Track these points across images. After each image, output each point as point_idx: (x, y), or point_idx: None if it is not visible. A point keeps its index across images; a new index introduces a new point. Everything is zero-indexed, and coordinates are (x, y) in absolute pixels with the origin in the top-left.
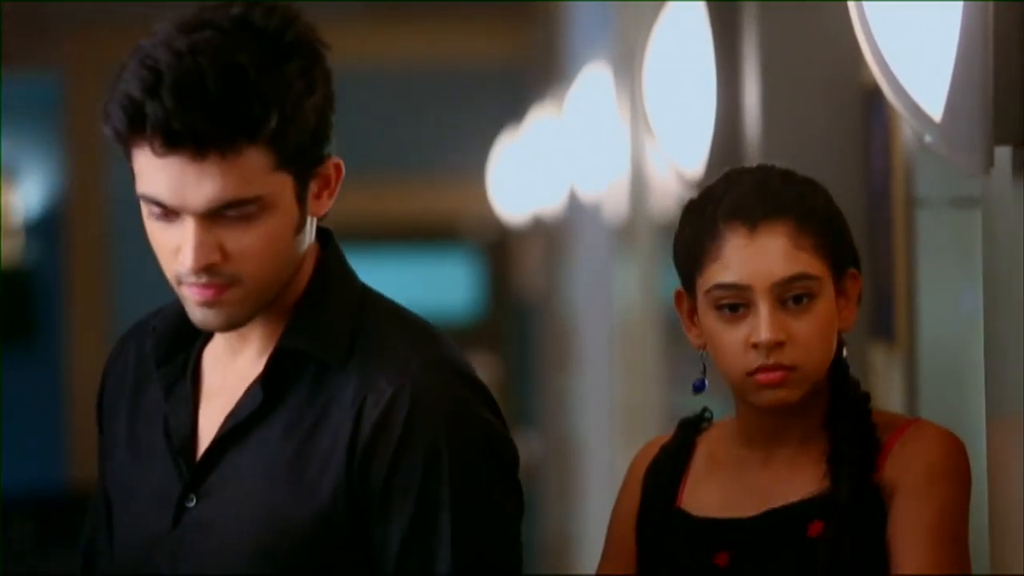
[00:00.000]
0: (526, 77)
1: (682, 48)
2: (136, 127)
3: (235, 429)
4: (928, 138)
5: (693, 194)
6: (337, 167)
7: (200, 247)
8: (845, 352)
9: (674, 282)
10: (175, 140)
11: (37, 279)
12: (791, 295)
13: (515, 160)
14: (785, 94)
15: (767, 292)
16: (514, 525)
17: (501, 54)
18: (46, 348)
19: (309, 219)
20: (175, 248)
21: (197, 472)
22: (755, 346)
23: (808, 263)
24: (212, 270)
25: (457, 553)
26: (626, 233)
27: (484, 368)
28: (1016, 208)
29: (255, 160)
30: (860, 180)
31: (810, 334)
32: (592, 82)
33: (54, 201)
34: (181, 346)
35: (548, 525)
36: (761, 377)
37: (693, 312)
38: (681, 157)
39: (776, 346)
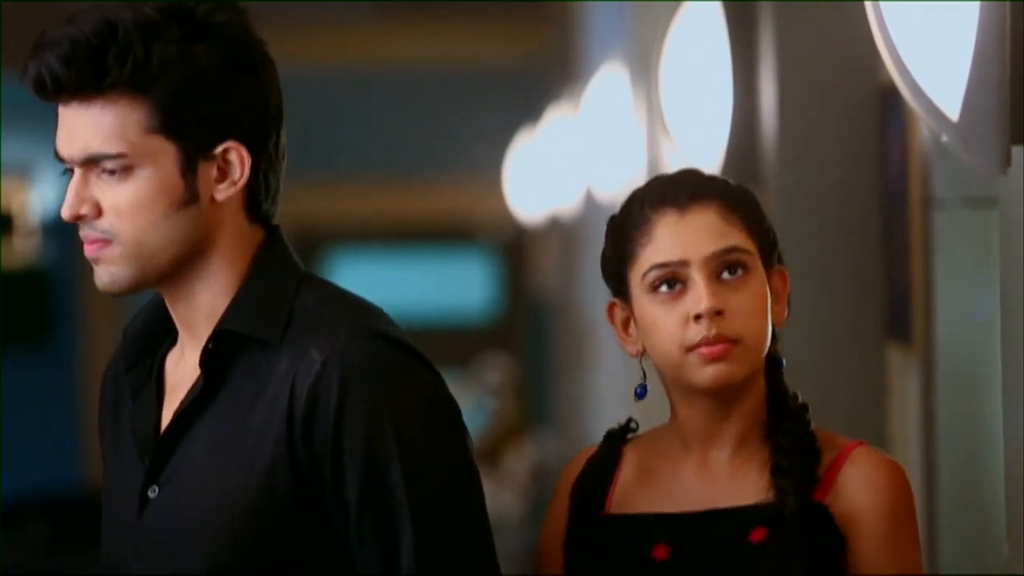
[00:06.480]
0: (542, 77)
1: (698, 48)
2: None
3: (182, 416)
4: (945, 138)
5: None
6: (241, 159)
7: (71, 196)
8: (778, 348)
9: None
10: (33, 85)
11: (52, 280)
12: (726, 267)
13: (531, 160)
14: (801, 94)
15: (702, 265)
16: (466, 470)
17: (517, 54)
18: (61, 349)
19: (214, 202)
20: None
21: (153, 463)
22: (696, 318)
23: (739, 238)
24: (85, 222)
25: (414, 505)
26: None
27: (500, 368)
28: None
29: (119, 115)
30: (876, 180)
31: (747, 305)
32: (608, 82)
33: None
34: (149, 350)
35: None
36: (704, 351)
37: (627, 323)
38: (697, 157)
39: (716, 315)
